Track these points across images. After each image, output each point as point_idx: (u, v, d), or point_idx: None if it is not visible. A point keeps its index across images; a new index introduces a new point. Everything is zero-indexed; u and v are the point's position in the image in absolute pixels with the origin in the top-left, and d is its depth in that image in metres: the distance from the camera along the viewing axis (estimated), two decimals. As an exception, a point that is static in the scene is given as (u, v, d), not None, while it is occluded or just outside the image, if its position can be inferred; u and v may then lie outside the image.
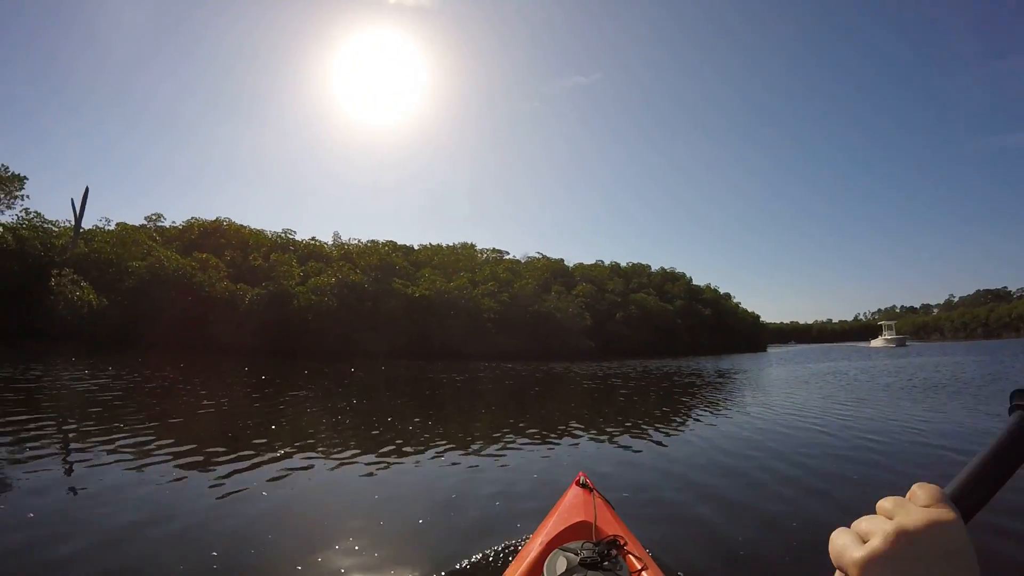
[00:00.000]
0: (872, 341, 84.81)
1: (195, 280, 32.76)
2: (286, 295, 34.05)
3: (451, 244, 53.51)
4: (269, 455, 5.67)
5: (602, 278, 53.93)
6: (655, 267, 63.76)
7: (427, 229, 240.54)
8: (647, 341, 48.03)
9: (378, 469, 5.35)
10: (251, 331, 32.07)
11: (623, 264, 61.66)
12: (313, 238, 45.47)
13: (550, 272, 50.48)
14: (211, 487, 4.48)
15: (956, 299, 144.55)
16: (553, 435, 7.65)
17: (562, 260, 55.03)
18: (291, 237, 44.36)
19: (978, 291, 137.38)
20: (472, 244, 54.44)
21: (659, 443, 7.17)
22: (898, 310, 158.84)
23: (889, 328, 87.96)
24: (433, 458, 5.91)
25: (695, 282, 65.35)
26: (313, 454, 5.87)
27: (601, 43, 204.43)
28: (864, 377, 17.95)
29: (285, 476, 4.93)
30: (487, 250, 54.08)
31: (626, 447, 6.94)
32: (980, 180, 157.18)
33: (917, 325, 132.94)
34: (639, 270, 61.52)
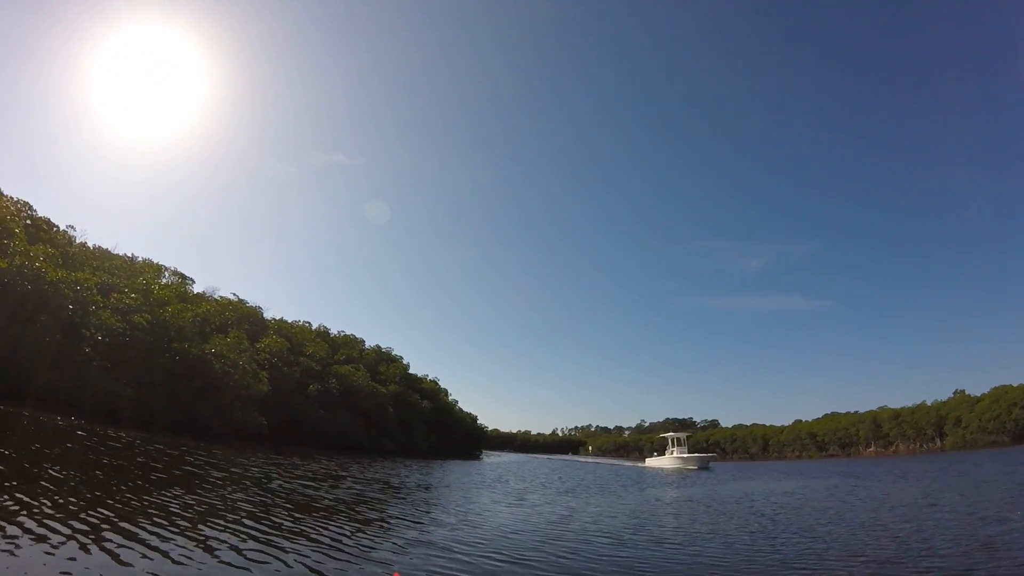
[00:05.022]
0: (650, 460, 65.22)
1: None
2: None
3: (128, 255, 39.23)
4: None
5: (302, 339, 45.33)
6: (370, 344, 57.22)
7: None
8: (347, 430, 39.40)
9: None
10: None
11: (334, 332, 53.92)
12: None
13: (235, 316, 39.64)
14: None
15: (647, 424, 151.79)
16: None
17: (259, 309, 44.33)
18: None
19: (667, 419, 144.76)
20: (158, 264, 40.45)
21: None
22: (593, 429, 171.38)
23: (679, 443, 63.49)
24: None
25: (412, 370, 59.18)
26: None
27: (373, 129, 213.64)
28: None
29: None
30: (170, 269, 40.69)
31: None
32: (678, 330, 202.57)
33: (618, 444, 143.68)
34: (350, 342, 54.48)
